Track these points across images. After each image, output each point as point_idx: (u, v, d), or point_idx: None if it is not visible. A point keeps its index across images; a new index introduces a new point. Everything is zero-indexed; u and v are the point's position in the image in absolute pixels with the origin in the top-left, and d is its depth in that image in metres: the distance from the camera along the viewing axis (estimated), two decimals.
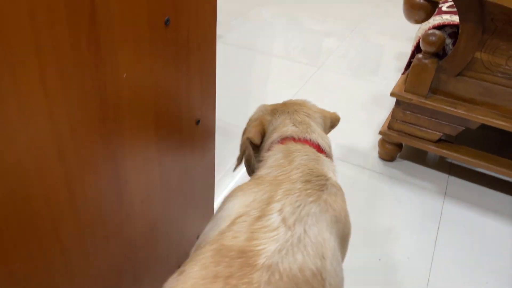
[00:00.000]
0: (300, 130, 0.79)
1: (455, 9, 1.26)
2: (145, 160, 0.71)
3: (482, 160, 1.41)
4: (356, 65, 2.26)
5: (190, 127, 0.82)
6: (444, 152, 1.45)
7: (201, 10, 0.71)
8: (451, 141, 1.47)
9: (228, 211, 0.64)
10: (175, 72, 0.70)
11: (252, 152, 0.84)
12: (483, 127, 1.49)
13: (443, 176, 1.53)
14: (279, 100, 0.94)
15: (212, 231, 0.64)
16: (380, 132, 1.53)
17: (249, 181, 0.70)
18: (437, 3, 1.18)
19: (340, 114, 0.95)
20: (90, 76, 0.52)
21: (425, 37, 1.29)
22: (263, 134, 0.84)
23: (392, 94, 1.43)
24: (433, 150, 1.47)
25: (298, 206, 0.62)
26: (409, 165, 1.58)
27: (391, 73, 2.20)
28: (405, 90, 1.41)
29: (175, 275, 0.57)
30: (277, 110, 0.86)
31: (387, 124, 1.53)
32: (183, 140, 0.81)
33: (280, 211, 0.60)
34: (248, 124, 0.89)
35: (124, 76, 0.59)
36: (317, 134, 0.81)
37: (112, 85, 0.57)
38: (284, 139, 0.78)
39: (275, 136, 0.80)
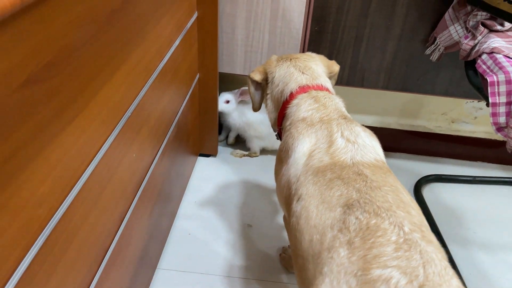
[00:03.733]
0: (310, 77, 1.01)
1: None
2: None
3: None
4: None
5: None
6: None
7: None
8: None
9: (299, 153, 0.87)
10: None
11: (253, 89, 1.11)
12: None
13: None
14: None
15: (292, 168, 0.86)
16: None
17: (299, 123, 0.92)
18: None
19: None
20: None
21: None
22: (264, 75, 1.08)
23: None
24: None
25: (351, 129, 0.87)
26: None
27: None
28: None
29: (294, 202, 0.81)
30: (281, 58, 1.07)
31: None
32: None
33: (342, 136, 0.85)
34: None
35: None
36: (322, 78, 1.03)
37: None
38: (301, 88, 0.99)
39: (292, 85, 1.00)
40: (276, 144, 1.69)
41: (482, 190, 1.63)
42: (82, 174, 0.66)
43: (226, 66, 1.48)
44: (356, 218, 0.67)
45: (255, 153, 1.70)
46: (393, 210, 0.67)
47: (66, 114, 0.59)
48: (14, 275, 0.51)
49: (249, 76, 1.10)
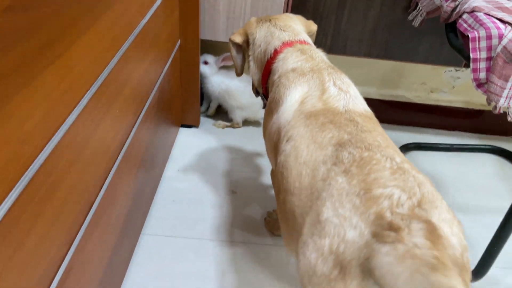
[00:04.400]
0: (292, 34, 1.02)
1: None
2: None
3: None
4: None
5: None
6: None
7: None
8: None
9: (291, 101, 0.88)
10: None
11: (236, 53, 1.12)
12: None
13: None
14: None
15: (284, 115, 0.87)
16: None
17: (290, 73, 0.92)
18: None
19: None
20: None
21: None
22: (244, 37, 1.08)
23: None
24: None
25: (342, 79, 0.89)
26: None
27: None
28: None
29: (283, 143, 0.82)
30: (261, 19, 1.08)
31: None
32: None
33: (334, 84, 0.87)
34: None
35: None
36: (304, 35, 1.05)
37: None
38: (285, 43, 1.00)
39: (276, 42, 1.01)
40: (258, 114, 1.69)
41: (459, 157, 1.67)
42: (66, 118, 0.64)
43: (208, 33, 1.46)
44: (349, 153, 0.69)
45: (237, 124, 1.70)
46: (383, 147, 0.71)
47: (50, 52, 0.57)
48: (2, 205, 0.49)
49: (230, 39, 1.10)
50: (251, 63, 1.08)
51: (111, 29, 0.80)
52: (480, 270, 1.06)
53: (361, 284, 0.57)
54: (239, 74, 1.17)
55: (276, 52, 1.00)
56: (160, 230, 1.21)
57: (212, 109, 1.74)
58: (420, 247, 0.52)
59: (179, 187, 1.37)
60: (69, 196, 0.67)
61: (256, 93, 1.18)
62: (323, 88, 0.86)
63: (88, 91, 0.72)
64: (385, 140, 0.74)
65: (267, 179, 1.44)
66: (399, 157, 0.68)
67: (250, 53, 1.08)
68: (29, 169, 0.54)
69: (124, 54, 0.89)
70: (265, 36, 1.04)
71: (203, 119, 1.73)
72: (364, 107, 0.85)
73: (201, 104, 1.76)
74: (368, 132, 0.75)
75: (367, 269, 0.56)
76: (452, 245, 0.55)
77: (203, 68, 1.59)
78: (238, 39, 1.09)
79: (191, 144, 1.59)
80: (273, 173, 1.00)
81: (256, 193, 1.38)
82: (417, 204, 0.58)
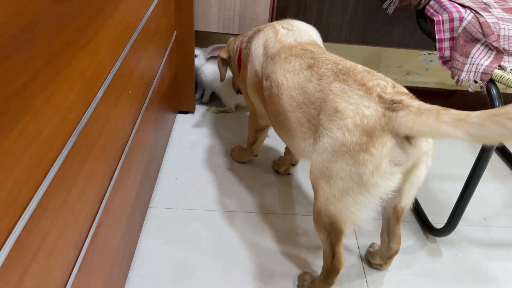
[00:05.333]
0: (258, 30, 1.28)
1: None
2: None
3: None
4: None
5: None
6: None
7: None
8: None
9: (257, 48, 1.17)
10: None
11: (221, 65, 1.46)
12: None
13: None
14: None
15: (256, 61, 1.15)
16: None
17: (252, 38, 1.23)
18: None
19: None
20: None
21: None
22: (228, 53, 1.42)
23: None
24: None
25: (288, 22, 1.17)
26: None
27: None
28: None
29: (264, 81, 1.08)
30: (236, 37, 1.39)
31: None
32: None
33: (283, 27, 1.15)
34: None
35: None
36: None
37: None
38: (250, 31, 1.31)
39: (243, 37, 1.32)
40: None
41: None
42: (97, 92, 0.76)
43: (201, 24, 1.57)
44: (326, 69, 0.92)
45: (230, 109, 1.82)
46: (344, 60, 0.95)
47: (84, 37, 0.69)
48: (56, 162, 0.61)
49: (218, 55, 1.44)
50: (233, 68, 1.42)
51: (124, 19, 0.92)
52: (450, 225, 1.21)
53: (384, 141, 0.80)
54: (222, 80, 1.51)
55: (242, 41, 1.30)
56: (166, 204, 1.33)
57: (206, 97, 1.86)
58: (421, 104, 0.79)
59: (180, 166, 1.50)
60: (98, 160, 0.79)
61: (238, 91, 1.47)
62: (276, 31, 1.13)
63: (110, 72, 0.84)
64: (338, 56, 0.99)
65: (260, 157, 1.57)
66: (359, 64, 0.94)
67: (232, 63, 1.41)
68: (74, 131, 0.66)
69: (134, 43, 1.01)
70: (238, 44, 1.36)
71: (198, 106, 1.85)
72: (307, 37, 1.10)
73: (195, 92, 1.87)
74: (324, 54, 0.99)
75: (388, 131, 0.80)
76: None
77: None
78: (224, 55, 1.43)
79: (189, 128, 1.71)
80: (251, 114, 1.36)
81: (250, 169, 1.52)
82: (392, 86, 0.85)
